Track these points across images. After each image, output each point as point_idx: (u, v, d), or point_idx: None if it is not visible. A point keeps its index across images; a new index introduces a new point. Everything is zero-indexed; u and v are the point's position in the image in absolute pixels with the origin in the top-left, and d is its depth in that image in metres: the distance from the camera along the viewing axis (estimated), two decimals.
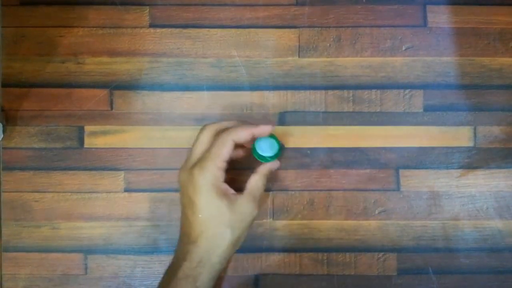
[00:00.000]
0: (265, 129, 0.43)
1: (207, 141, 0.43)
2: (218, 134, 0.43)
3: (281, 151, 0.47)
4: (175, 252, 0.43)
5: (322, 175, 0.50)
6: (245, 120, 0.48)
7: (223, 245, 0.41)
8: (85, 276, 0.49)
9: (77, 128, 0.50)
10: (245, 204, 0.42)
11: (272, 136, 0.45)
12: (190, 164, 0.42)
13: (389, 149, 0.50)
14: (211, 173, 0.41)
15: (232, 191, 0.43)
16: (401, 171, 0.50)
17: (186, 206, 0.42)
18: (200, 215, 0.41)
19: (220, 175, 0.41)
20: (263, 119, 0.50)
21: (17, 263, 0.49)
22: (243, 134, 0.42)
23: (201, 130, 0.44)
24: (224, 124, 0.45)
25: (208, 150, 0.42)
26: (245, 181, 0.44)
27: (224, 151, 0.41)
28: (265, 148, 0.45)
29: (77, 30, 0.50)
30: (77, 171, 0.50)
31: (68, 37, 0.50)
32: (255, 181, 0.44)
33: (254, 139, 0.45)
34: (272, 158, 0.45)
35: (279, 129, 0.49)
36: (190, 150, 0.44)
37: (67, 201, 0.50)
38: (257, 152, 0.45)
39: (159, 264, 0.49)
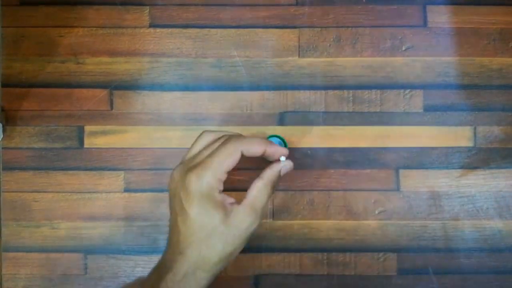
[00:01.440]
0: (281, 151, 0.40)
1: (207, 144, 0.39)
2: (226, 140, 0.38)
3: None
4: (162, 258, 0.40)
5: (322, 175, 0.50)
6: (245, 121, 0.48)
7: (211, 260, 0.37)
8: (85, 276, 0.49)
9: (77, 128, 0.50)
10: (242, 217, 0.37)
11: (279, 137, 0.46)
12: (186, 168, 0.38)
13: (389, 149, 0.50)
14: (208, 183, 0.37)
15: (230, 200, 0.38)
16: (401, 171, 0.50)
17: (177, 213, 0.38)
18: (190, 225, 0.37)
19: (218, 186, 0.37)
20: (263, 120, 0.50)
21: (17, 263, 0.49)
22: (255, 149, 0.38)
23: (202, 133, 0.41)
24: (226, 132, 0.40)
25: (210, 156, 0.38)
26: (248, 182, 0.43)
27: (229, 162, 0.37)
28: None
29: (77, 30, 0.50)
30: (77, 171, 0.50)
31: (68, 37, 0.50)
32: (257, 189, 0.38)
33: (263, 156, 0.40)
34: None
35: (279, 129, 0.49)
36: (187, 151, 0.41)
37: (67, 201, 0.50)
38: None
39: None
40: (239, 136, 0.39)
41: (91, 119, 0.50)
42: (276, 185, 0.40)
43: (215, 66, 0.50)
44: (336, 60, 0.50)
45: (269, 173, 0.39)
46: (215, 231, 0.37)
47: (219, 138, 0.39)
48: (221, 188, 0.38)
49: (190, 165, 0.38)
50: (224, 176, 0.38)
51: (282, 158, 0.40)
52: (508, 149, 0.50)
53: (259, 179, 0.39)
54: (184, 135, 0.50)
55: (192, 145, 0.41)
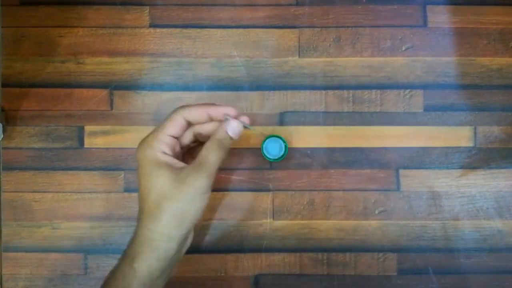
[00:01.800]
0: (223, 110, 0.40)
1: None
2: (172, 110, 0.40)
3: (287, 151, 0.48)
4: None
5: (322, 175, 0.50)
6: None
7: (162, 219, 0.37)
8: (85, 276, 0.49)
9: (77, 128, 0.50)
10: (190, 175, 0.37)
11: (279, 137, 0.47)
12: None
13: (389, 149, 0.50)
14: (150, 146, 0.38)
15: (180, 164, 0.38)
16: (401, 171, 0.50)
17: (137, 182, 0.39)
18: (142, 191, 0.38)
19: (162, 147, 0.38)
20: (264, 119, 0.50)
21: (17, 263, 0.49)
22: (195, 112, 0.39)
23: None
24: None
25: (157, 126, 0.40)
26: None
27: (170, 125, 0.39)
28: (273, 149, 0.46)
29: (77, 30, 0.50)
30: (77, 171, 0.50)
31: (68, 37, 0.50)
32: (205, 148, 0.38)
33: (211, 120, 0.41)
34: (279, 158, 0.47)
35: (279, 129, 0.49)
36: None
37: (67, 201, 0.50)
38: (265, 153, 0.47)
39: None
40: (183, 106, 0.40)
41: (91, 119, 0.50)
42: (226, 146, 0.39)
43: (215, 66, 0.50)
44: (336, 60, 0.50)
45: (216, 133, 0.39)
46: (163, 192, 0.37)
47: None
48: (168, 151, 0.38)
49: None
50: (168, 139, 0.38)
51: (227, 117, 0.39)
52: (508, 149, 0.50)
53: (208, 140, 0.39)
54: None
55: None
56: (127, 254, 0.38)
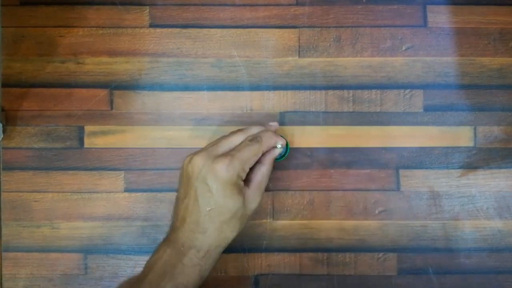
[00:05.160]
0: (278, 140, 0.46)
1: (238, 142, 0.44)
2: (253, 140, 0.44)
3: (288, 151, 0.47)
4: (175, 236, 0.43)
5: (322, 175, 0.50)
6: (245, 121, 0.48)
7: (231, 238, 0.43)
8: (85, 276, 0.49)
9: (77, 128, 0.50)
10: (253, 197, 0.44)
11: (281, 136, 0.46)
12: (212, 155, 0.42)
13: (389, 149, 0.50)
14: (237, 173, 0.42)
15: (243, 184, 0.44)
16: (401, 171, 0.50)
17: (199, 195, 0.42)
18: (215, 207, 0.42)
19: (243, 176, 0.43)
20: (263, 120, 0.50)
21: (17, 263, 0.49)
22: (271, 145, 0.45)
23: (235, 131, 0.46)
24: (254, 129, 0.46)
25: (239, 150, 0.43)
26: None
27: (254, 159, 0.44)
28: None
29: (77, 30, 0.50)
30: (77, 171, 0.50)
31: (68, 37, 0.50)
32: (261, 173, 0.45)
33: None
34: (280, 158, 0.47)
35: (279, 129, 0.49)
36: (216, 141, 0.45)
37: (67, 201, 0.50)
38: None
39: None
40: (260, 139, 0.44)
41: (91, 119, 0.50)
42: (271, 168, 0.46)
43: (215, 66, 0.50)
44: (336, 60, 0.50)
45: (269, 158, 0.45)
46: (237, 213, 0.43)
47: (246, 137, 0.45)
48: (244, 178, 0.44)
49: (215, 153, 0.43)
50: (248, 170, 0.44)
51: (279, 145, 0.46)
52: (508, 149, 0.50)
53: (261, 164, 0.45)
54: (184, 135, 0.50)
55: (222, 137, 0.45)
56: (193, 262, 0.42)
